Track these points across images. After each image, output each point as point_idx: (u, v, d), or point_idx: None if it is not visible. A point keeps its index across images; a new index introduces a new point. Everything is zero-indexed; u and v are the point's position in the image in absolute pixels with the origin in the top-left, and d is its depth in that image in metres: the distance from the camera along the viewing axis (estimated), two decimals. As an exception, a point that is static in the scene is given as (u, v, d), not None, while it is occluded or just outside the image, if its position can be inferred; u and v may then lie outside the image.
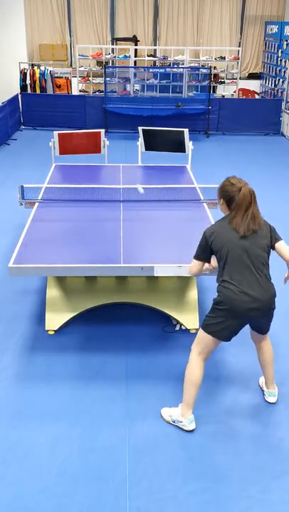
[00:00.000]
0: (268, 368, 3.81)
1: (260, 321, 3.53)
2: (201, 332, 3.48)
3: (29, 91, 13.32)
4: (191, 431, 3.52)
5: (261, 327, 3.61)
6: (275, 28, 14.33)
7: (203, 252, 3.47)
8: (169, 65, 14.27)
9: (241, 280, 3.31)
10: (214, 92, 14.11)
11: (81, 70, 14.04)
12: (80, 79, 14.06)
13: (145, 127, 7.16)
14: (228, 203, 3.37)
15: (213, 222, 4.91)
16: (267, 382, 3.87)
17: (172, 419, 3.57)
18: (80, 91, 14.25)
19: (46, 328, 4.54)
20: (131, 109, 12.21)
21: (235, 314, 3.36)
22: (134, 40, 14.70)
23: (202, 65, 14.06)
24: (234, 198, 3.31)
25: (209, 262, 3.53)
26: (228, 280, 3.34)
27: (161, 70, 13.80)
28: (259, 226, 3.35)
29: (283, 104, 12.81)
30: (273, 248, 3.45)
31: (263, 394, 3.89)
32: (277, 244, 3.44)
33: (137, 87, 13.64)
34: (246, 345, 4.45)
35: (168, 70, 13.83)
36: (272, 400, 3.85)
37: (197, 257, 3.51)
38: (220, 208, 3.53)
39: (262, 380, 3.97)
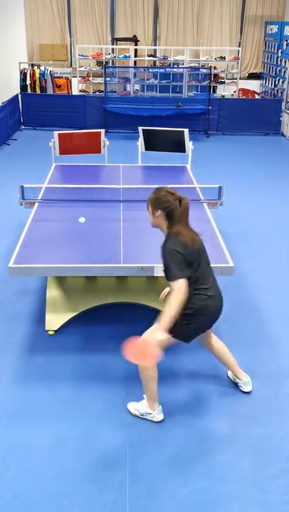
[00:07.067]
0: (230, 358, 3.84)
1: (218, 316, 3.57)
2: (167, 338, 3.34)
3: (29, 91, 13.33)
4: (160, 421, 3.55)
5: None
6: (275, 28, 14.33)
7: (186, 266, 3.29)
8: (169, 65, 14.27)
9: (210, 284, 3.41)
10: (214, 92, 14.11)
11: (81, 70, 14.04)
12: (80, 79, 14.07)
13: (145, 127, 7.16)
14: (168, 215, 3.34)
15: (213, 222, 4.94)
16: (236, 373, 3.88)
17: (140, 412, 3.61)
18: (80, 91, 14.26)
19: (46, 328, 4.54)
20: (131, 109, 12.22)
21: (208, 316, 3.44)
22: (134, 40, 14.71)
23: (202, 65, 14.07)
24: (175, 210, 3.30)
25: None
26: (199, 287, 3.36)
27: (161, 70, 13.81)
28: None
29: (283, 104, 12.82)
30: None
31: (238, 386, 3.91)
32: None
33: (137, 87, 13.64)
34: (242, 347, 4.45)
35: (168, 70, 13.85)
36: (248, 388, 3.87)
37: (183, 273, 3.26)
38: (154, 221, 3.46)
39: (231, 373, 3.99)
